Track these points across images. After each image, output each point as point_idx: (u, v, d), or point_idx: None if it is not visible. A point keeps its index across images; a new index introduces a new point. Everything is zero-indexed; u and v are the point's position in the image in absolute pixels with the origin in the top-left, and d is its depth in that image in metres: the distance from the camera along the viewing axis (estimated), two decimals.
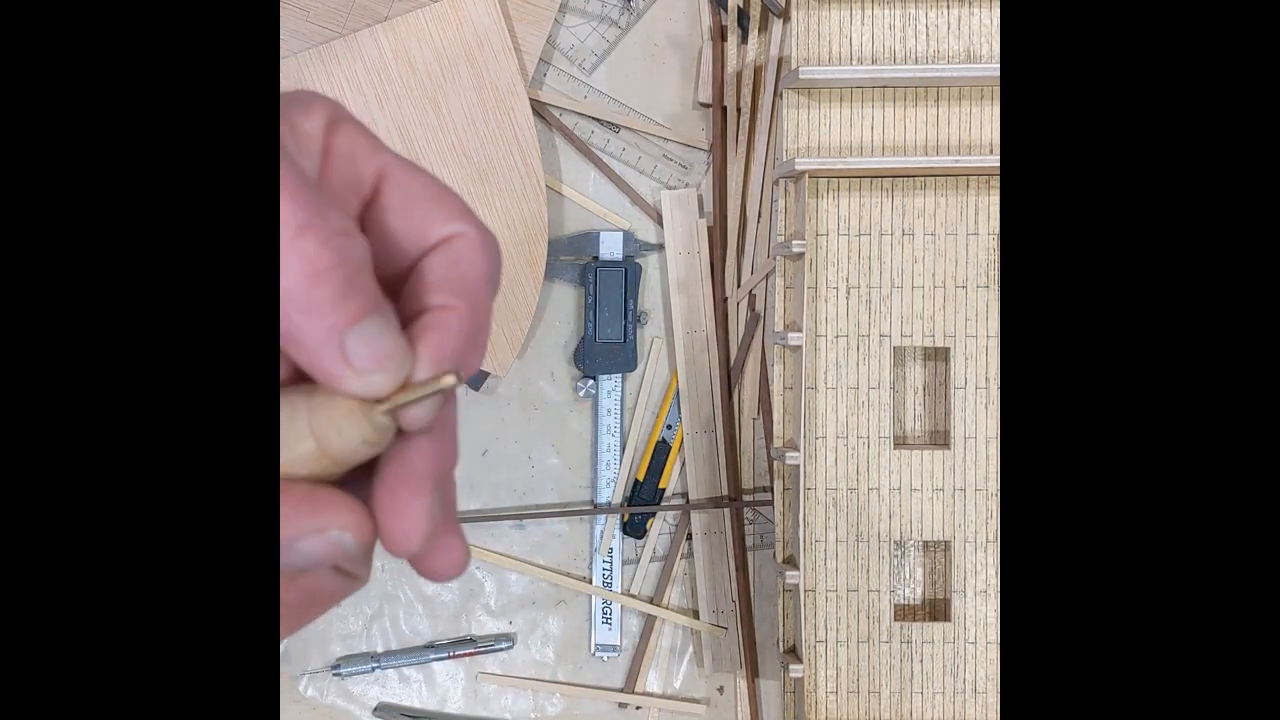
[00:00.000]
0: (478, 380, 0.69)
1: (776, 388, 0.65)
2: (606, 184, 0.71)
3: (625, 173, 0.71)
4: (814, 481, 0.63)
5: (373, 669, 0.69)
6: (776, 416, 0.65)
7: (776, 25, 0.67)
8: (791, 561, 0.64)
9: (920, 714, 0.63)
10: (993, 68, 0.61)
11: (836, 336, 0.63)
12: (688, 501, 0.70)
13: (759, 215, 0.69)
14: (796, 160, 0.62)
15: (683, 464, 0.70)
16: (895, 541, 0.63)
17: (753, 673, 0.70)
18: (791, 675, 0.62)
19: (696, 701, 0.70)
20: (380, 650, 0.70)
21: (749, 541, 0.70)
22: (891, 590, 0.63)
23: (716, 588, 0.70)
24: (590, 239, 0.70)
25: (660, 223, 0.70)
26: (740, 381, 0.70)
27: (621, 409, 0.70)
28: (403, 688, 0.70)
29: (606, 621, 0.70)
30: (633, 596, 0.70)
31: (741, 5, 0.69)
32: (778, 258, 0.65)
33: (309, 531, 0.29)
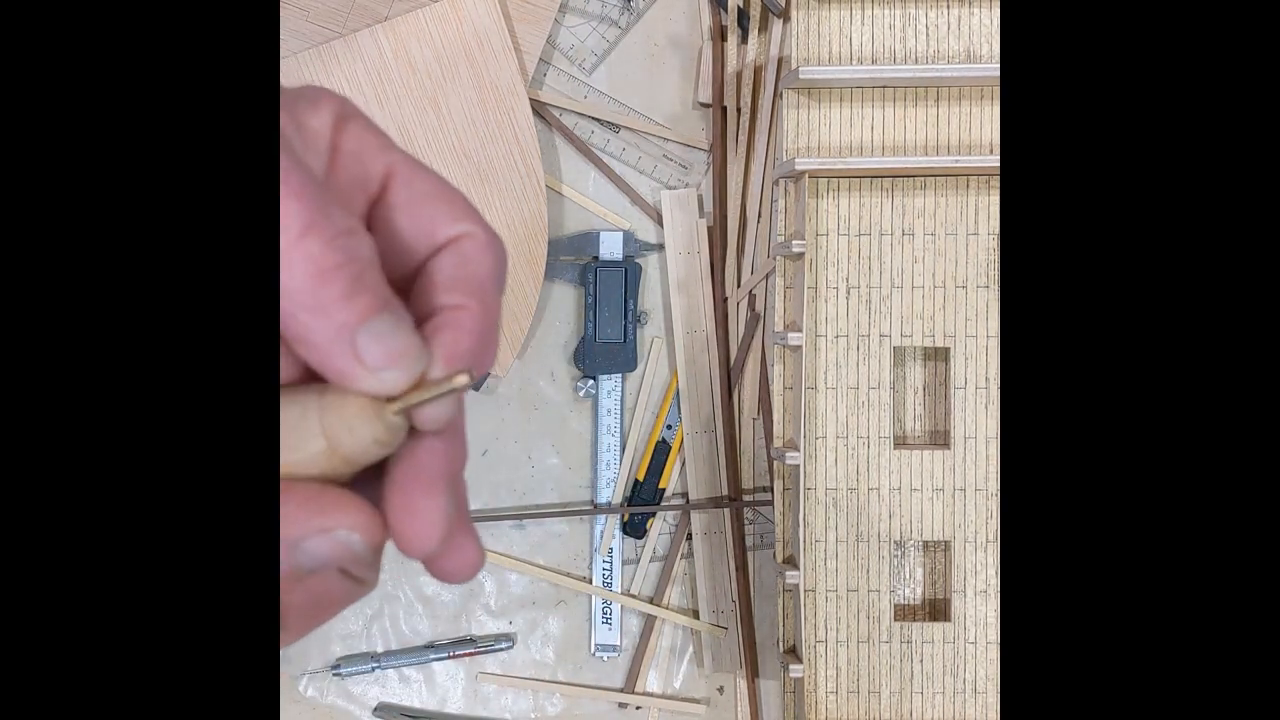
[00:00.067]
0: (479, 380, 0.69)
1: (776, 388, 0.65)
2: (606, 184, 0.71)
3: (625, 173, 0.71)
4: (814, 481, 0.63)
5: (373, 669, 0.69)
6: (776, 416, 0.65)
7: (776, 25, 0.67)
8: (791, 561, 0.64)
9: (920, 714, 0.63)
10: (993, 68, 0.61)
11: (836, 336, 0.63)
12: (688, 501, 0.70)
13: (759, 215, 0.69)
14: (796, 160, 0.62)
15: (683, 464, 0.70)
16: (895, 541, 0.63)
17: (753, 673, 0.70)
18: (791, 675, 0.62)
19: (696, 701, 0.70)
20: (380, 650, 0.70)
21: (749, 541, 0.70)
22: (891, 590, 0.63)
23: (716, 588, 0.70)
24: (590, 239, 0.70)
25: (660, 223, 0.70)
26: (740, 381, 0.70)
27: (621, 409, 0.70)
28: (403, 688, 0.70)
29: (606, 621, 0.70)
30: (633, 596, 0.70)
31: (741, 5, 0.69)
32: (778, 258, 0.65)
33: (316, 531, 0.29)
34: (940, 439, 0.64)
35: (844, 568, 0.63)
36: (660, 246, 0.70)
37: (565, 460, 0.70)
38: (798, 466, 0.63)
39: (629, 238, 0.70)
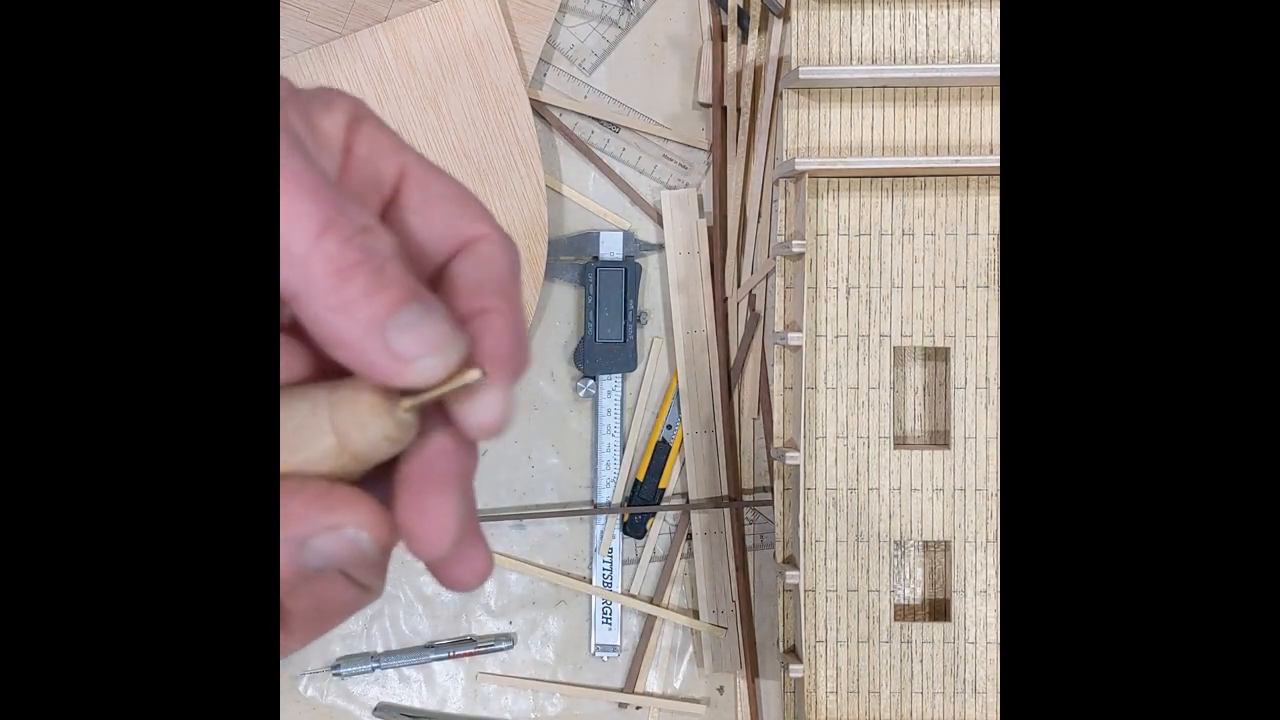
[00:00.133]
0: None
1: (776, 388, 0.65)
2: (606, 184, 0.71)
3: (625, 173, 0.71)
4: (814, 481, 0.63)
5: (373, 669, 0.69)
6: (776, 416, 0.65)
7: (776, 25, 0.67)
8: (791, 561, 0.64)
9: (920, 714, 0.63)
10: (993, 68, 0.61)
11: (836, 336, 0.63)
12: (688, 501, 0.70)
13: (759, 215, 0.69)
14: (796, 160, 0.62)
15: (683, 464, 0.70)
16: (895, 541, 0.63)
17: (753, 673, 0.70)
18: (791, 675, 0.62)
19: (696, 701, 0.70)
20: (380, 650, 0.70)
21: (749, 541, 0.70)
22: (891, 590, 0.63)
23: (716, 588, 0.70)
24: (590, 239, 0.70)
25: (660, 223, 0.70)
26: (740, 381, 0.70)
27: (621, 409, 0.70)
28: (403, 688, 0.70)
29: (606, 621, 0.70)
30: (633, 596, 0.70)
31: (741, 5, 0.69)
32: (778, 258, 0.65)
33: (324, 528, 0.29)
34: (940, 439, 0.64)
35: (844, 568, 0.63)
36: (660, 246, 0.70)
37: (565, 460, 0.70)
38: (798, 466, 0.63)
39: (629, 238, 0.70)
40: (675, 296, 0.69)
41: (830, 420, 0.63)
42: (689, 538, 0.70)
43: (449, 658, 0.69)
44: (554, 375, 0.70)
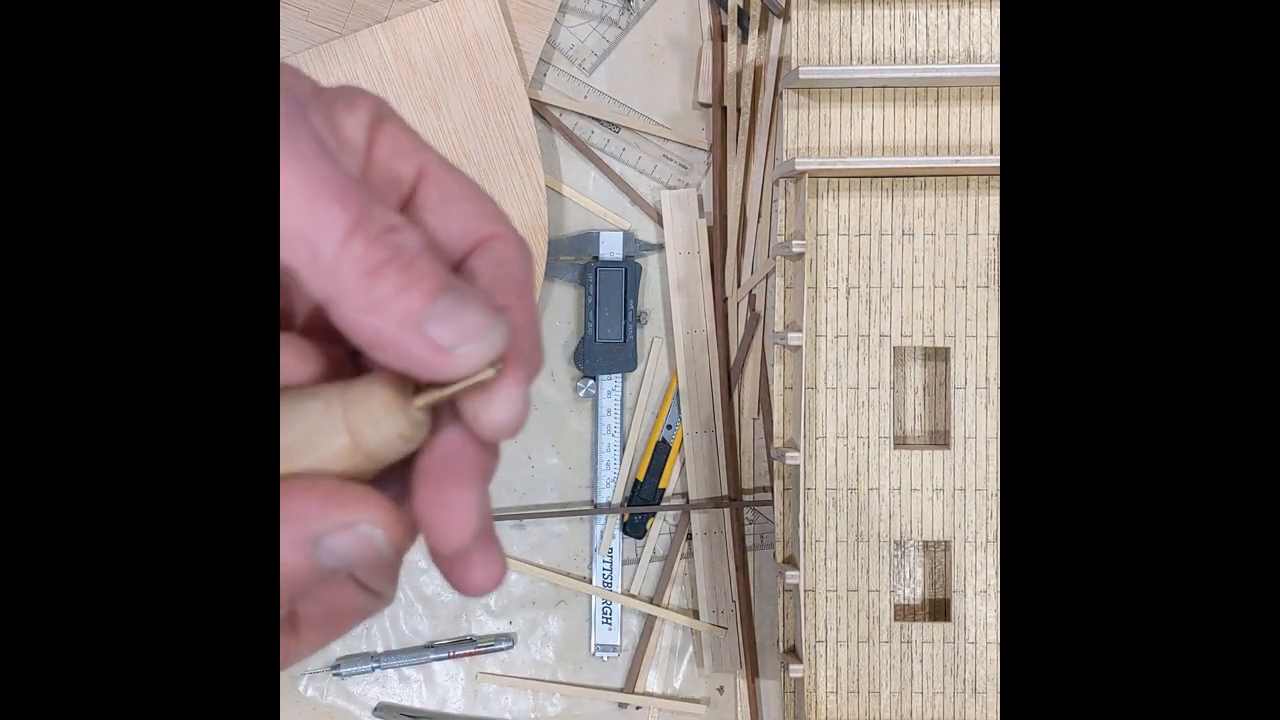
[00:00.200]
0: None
1: (776, 388, 0.65)
2: (606, 184, 0.71)
3: (625, 173, 0.71)
4: (814, 481, 0.63)
5: (373, 669, 0.69)
6: (776, 416, 0.65)
7: (776, 25, 0.67)
8: (791, 561, 0.64)
9: (920, 714, 0.63)
10: (993, 68, 0.61)
11: (836, 336, 0.63)
12: (688, 501, 0.70)
13: (759, 215, 0.69)
14: (796, 160, 0.62)
15: (683, 464, 0.70)
16: (895, 541, 0.63)
17: (753, 673, 0.70)
18: (791, 675, 0.62)
19: (696, 701, 0.70)
20: (380, 650, 0.70)
21: (749, 541, 0.70)
22: (891, 590, 0.63)
23: (716, 588, 0.70)
24: (590, 239, 0.70)
25: (660, 223, 0.70)
26: (740, 381, 0.70)
27: (621, 409, 0.70)
28: (403, 688, 0.70)
29: (606, 621, 0.70)
30: (633, 596, 0.70)
31: (741, 5, 0.69)
32: (778, 258, 0.65)
33: (339, 526, 0.28)
34: (940, 439, 0.64)
35: (844, 568, 0.63)
36: (660, 246, 0.70)
37: (565, 460, 0.70)
38: (798, 466, 0.63)
39: (629, 238, 0.70)
40: (675, 296, 0.69)
41: (830, 420, 0.63)
42: (689, 538, 0.70)
43: (449, 658, 0.69)
44: (554, 375, 0.70)
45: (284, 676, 0.69)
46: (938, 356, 0.65)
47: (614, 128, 0.71)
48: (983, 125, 0.63)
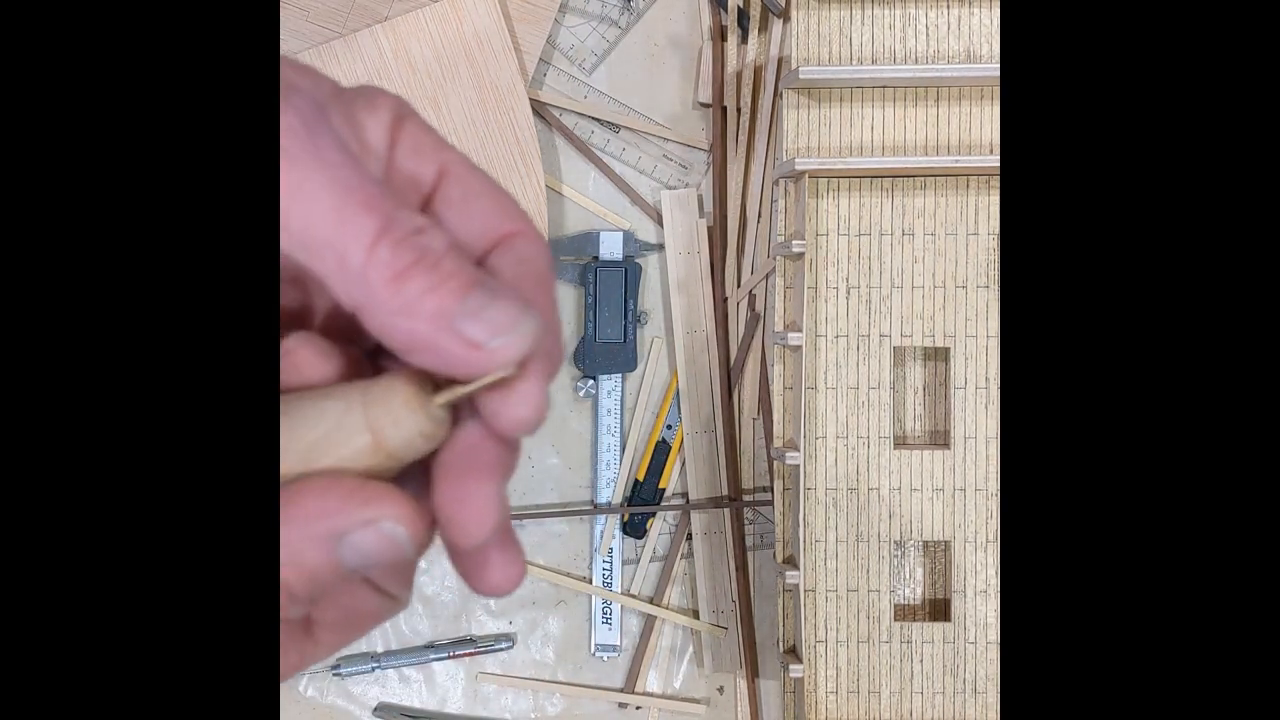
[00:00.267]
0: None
1: (776, 388, 0.65)
2: (606, 184, 0.71)
3: (625, 173, 0.71)
4: (814, 481, 0.63)
5: (373, 669, 0.69)
6: (776, 416, 0.65)
7: (776, 25, 0.67)
8: (791, 561, 0.64)
9: (920, 714, 0.63)
10: (993, 68, 0.61)
11: (836, 336, 0.63)
12: (688, 501, 0.70)
13: (759, 215, 0.69)
14: (796, 160, 0.62)
15: (683, 464, 0.70)
16: (895, 541, 0.63)
17: (753, 673, 0.70)
18: (791, 675, 0.62)
19: (696, 701, 0.70)
20: (380, 650, 0.70)
21: (749, 541, 0.70)
22: (891, 590, 0.63)
23: (716, 588, 0.70)
24: (590, 239, 0.70)
25: (660, 223, 0.70)
26: (740, 381, 0.70)
27: (621, 409, 0.70)
28: (403, 688, 0.70)
29: (606, 621, 0.70)
30: (633, 596, 0.70)
31: (741, 5, 0.69)
32: (778, 258, 0.65)
33: (361, 523, 0.29)
34: (940, 439, 0.64)
35: (844, 568, 0.63)
36: (660, 246, 0.70)
37: (565, 460, 0.70)
38: (798, 466, 0.63)
39: (629, 238, 0.70)
40: (675, 296, 0.69)
41: (830, 420, 0.63)
42: (689, 538, 0.70)
43: (449, 658, 0.69)
44: None
45: None
46: (938, 356, 0.65)
47: (614, 128, 0.71)
48: (983, 125, 0.63)
